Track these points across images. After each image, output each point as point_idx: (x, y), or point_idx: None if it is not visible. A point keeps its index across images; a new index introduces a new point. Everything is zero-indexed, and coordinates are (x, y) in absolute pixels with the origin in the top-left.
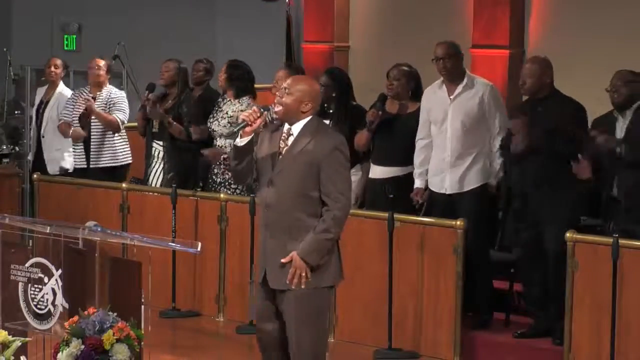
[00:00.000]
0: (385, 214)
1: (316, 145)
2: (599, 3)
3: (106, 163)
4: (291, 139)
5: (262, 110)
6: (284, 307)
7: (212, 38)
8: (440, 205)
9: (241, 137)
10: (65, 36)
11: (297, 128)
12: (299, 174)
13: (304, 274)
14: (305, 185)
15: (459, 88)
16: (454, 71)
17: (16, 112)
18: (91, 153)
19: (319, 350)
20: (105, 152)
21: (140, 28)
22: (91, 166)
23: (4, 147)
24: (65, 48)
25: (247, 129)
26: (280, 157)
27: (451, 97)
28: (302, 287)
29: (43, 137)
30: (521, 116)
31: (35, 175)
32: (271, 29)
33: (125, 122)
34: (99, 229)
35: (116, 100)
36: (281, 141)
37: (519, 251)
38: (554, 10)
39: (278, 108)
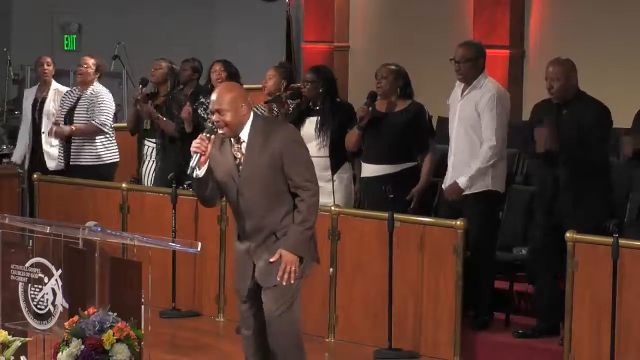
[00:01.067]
0: (385, 214)
1: (270, 142)
2: (599, 3)
3: (87, 161)
4: (244, 145)
5: (207, 135)
6: (266, 301)
7: (212, 38)
8: (447, 203)
9: (199, 168)
10: (65, 36)
11: (245, 134)
12: (264, 175)
13: (294, 268)
14: (272, 183)
15: (468, 89)
16: (468, 75)
17: (16, 112)
18: (72, 151)
19: (298, 337)
20: (86, 151)
21: (140, 28)
22: (71, 163)
23: (4, 147)
24: (65, 48)
25: (202, 158)
26: (241, 166)
27: (460, 97)
28: (292, 282)
29: (43, 132)
30: (545, 124)
31: (35, 175)
32: (271, 29)
33: (108, 121)
34: (99, 229)
35: (97, 101)
36: (236, 151)
37: (532, 251)
38: (554, 10)
39: (223, 130)
